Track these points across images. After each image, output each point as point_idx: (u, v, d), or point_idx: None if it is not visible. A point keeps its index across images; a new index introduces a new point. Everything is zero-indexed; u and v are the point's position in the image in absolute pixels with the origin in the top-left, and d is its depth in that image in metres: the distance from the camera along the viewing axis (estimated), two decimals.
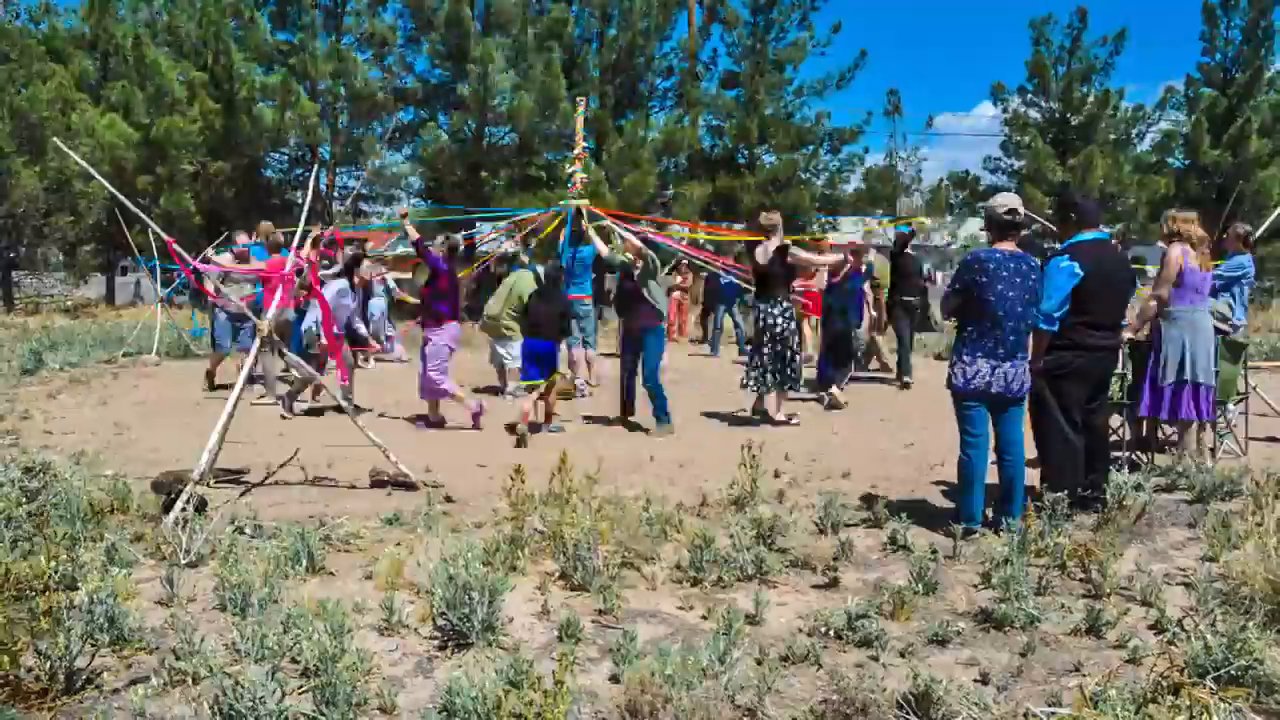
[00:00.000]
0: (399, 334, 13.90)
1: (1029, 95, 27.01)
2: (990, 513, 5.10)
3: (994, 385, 4.84)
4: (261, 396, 8.86)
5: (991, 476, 5.08)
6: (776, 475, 6.18)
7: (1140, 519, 4.99)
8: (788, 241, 8.34)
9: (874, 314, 12.51)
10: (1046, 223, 14.71)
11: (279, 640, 3.26)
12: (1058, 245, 5.47)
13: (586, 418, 8.71)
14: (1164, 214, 6.35)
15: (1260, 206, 20.57)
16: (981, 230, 6.46)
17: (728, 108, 24.04)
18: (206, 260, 10.70)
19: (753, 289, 8.88)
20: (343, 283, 8.69)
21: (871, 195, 29.18)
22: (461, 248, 9.74)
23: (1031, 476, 5.70)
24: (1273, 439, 7.44)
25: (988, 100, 28.61)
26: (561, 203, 11.82)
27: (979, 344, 4.86)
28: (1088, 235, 5.25)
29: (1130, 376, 6.32)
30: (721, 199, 23.55)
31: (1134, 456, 6.22)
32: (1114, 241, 5.52)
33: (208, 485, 5.36)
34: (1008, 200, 5.02)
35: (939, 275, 31.33)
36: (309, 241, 8.79)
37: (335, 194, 24.54)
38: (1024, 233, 8.42)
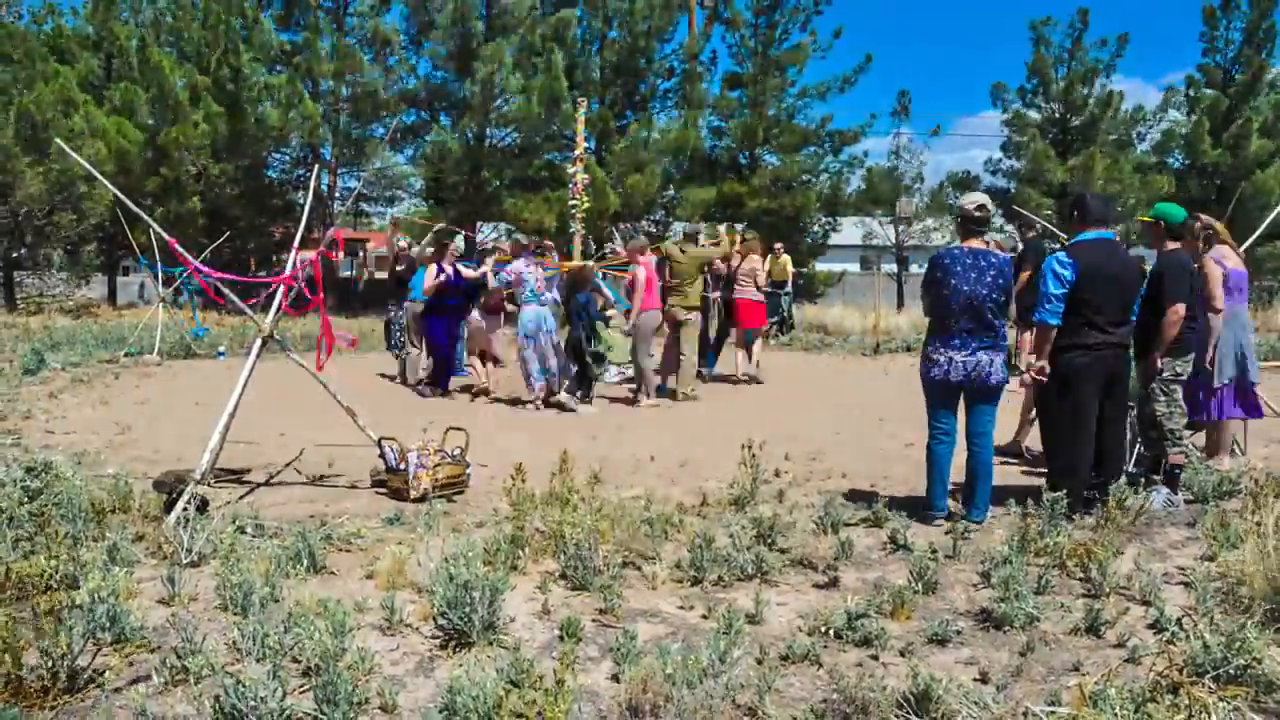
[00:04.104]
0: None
1: (1029, 96, 26.99)
2: (958, 502, 5.22)
3: (952, 375, 5.01)
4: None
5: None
6: (777, 475, 6.19)
7: (1139, 518, 5.00)
8: None
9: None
10: (1047, 224, 14.71)
11: (280, 639, 3.26)
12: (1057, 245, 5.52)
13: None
14: (1194, 218, 6.35)
15: (1261, 206, 20.54)
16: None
17: (730, 109, 24.03)
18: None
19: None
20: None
21: (873, 196, 29.12)
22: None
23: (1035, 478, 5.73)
24: None
25: (988, 102, 28.34)
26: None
27: (940, 336, 5.07)
28: (1090, 235, 5.25)
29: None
30: (724, 201, 23.53)
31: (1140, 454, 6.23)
32: (1118, 240, 5.49)
33: (209, 485, 5.37)
34: (977, 198, 5.18)
35: None
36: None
37: (337, 195, 24.54)
38: (1029, 234, 8.40)
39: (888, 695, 2.93)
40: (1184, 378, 5.68)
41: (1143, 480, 5.68)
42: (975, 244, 5.12)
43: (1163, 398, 5.61)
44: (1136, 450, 6.26)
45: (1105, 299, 5.10)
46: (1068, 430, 5.19)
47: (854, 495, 5.74)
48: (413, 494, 5.55)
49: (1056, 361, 5.17)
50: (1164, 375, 5.59)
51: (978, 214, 5.13)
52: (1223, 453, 6.35)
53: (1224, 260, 6.12)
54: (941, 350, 5.04)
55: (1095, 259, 5.10)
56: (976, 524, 5.05)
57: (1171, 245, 5.75)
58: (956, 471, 5.29)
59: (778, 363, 13.56)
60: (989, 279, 4.98)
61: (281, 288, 6.32)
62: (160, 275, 14.31)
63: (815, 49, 23.71)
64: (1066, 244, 5.32)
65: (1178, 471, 5.55)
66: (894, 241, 30.15)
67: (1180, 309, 5.43)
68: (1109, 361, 5.16)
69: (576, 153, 11.72)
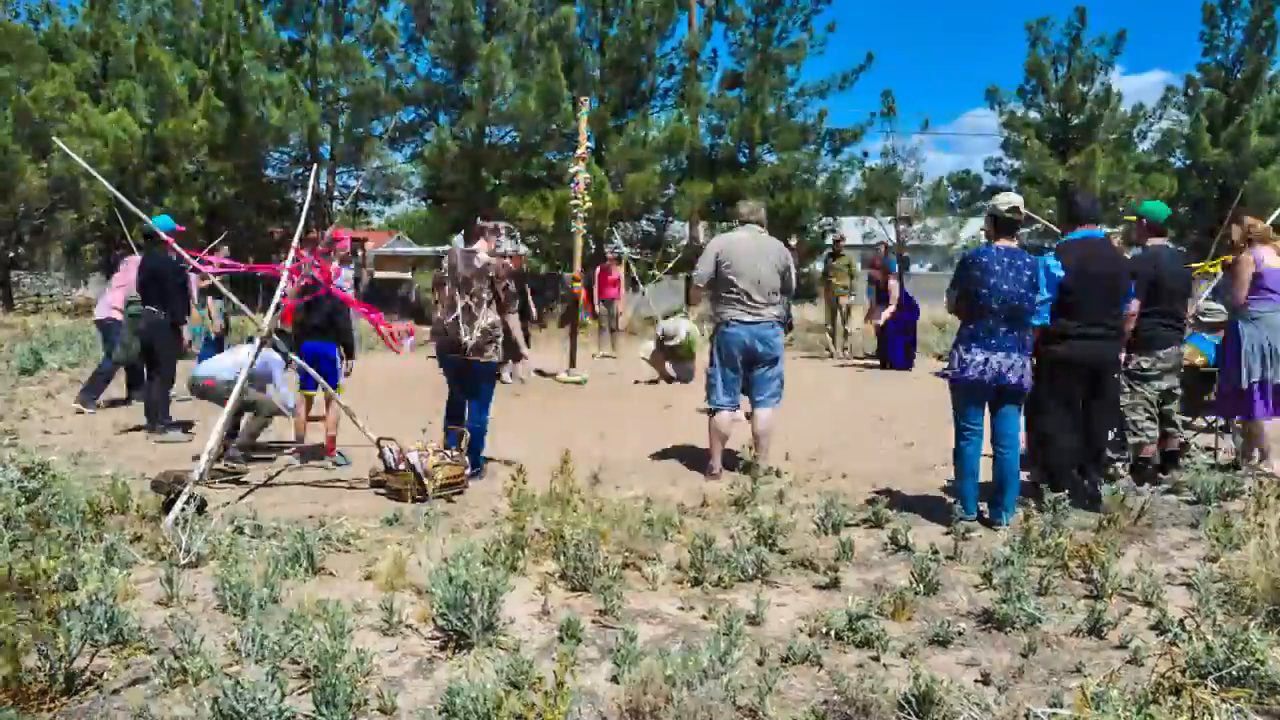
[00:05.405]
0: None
1: (1029, 96, 26.98)
2: (985, 505, 5.20)
3: (987, 374, 4.99)
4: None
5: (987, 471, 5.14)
6: (777, 475, 6.17)
7: (1141, 519, 4.99)
8: None
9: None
10: (1048, 223, 14.74)
11: (279, 640, 3.25)
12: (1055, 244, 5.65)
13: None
14: (1243, 220, 6.40)
15: (1263, 205, 20.53)
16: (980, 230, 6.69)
17: (729, 107, 24.01)
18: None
19: None
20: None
21: (871, 195, 29.09)
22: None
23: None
24: None
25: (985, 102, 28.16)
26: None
27: (975, 335, 5.05)
28: (1078, 234, 5.43)
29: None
30: (721, 197, 23.52)
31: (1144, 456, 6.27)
32: (1107, 239, 5.64)
33: (207, 485, 5.35)
34: (1010, 199, 5.21)
35: None
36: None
37: (335, 194, 24.51)
38: (1021, 231, 8.65)
39: (889, 696, 2.93)
40: (1152, 372, 5.83)
41: (1118, 468, 5.83)
42: (1007, 243, 5.13)
43: (1127, 390, 5.81)
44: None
45: (1089, 295, 5.25)
46: (1052, 424, 5.34)
47: (854, 495, 5.73)
48: (412, 495, 5.53)
49: (1041, 353, 5.30)
50: (1129, 368, 5.80)
51: (1009, 215, 5.14)
52: (1251, 453, 6.33)
53: (1262, 259, 6.15)
54: (978, 351, 5.01)
55: (1081, 258, 5.26)
56: (1003, 527, 5.03)
57: (1154, 241, 5.94)
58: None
59: None
60: (1026, 277, 5.02)
61: (278, 288, 6.29)
62: None
63: (813, 45, 23.69)
64: (1055, 245, 5.48)
65: (1144, 464, 5.74)
66: (894, 241, 30.12)
67: (1133, 304, 5.62)
68: (1092, 353, 5.30)
69: (579, 151, 11.66)
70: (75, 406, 8.49)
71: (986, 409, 5.15)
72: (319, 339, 6.51)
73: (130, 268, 8.73)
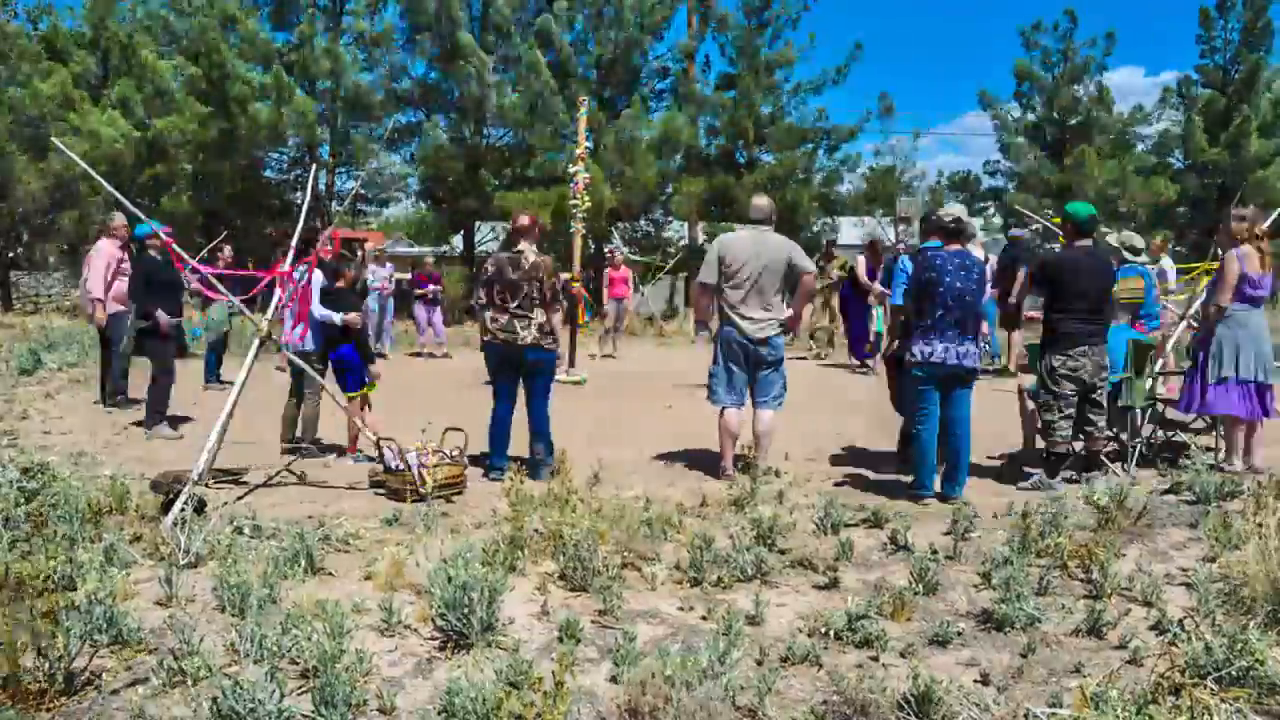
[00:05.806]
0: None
1: (1025, 98, 26.98)
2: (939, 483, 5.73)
3: (948, 360, 5.57)
4: None
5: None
6: (776, 475, 6.17)
7: (1140, 519, 5.00)
8: None
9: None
10: (1047, 223, 14.77)
11: (278, 641, 3.25)
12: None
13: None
14: (1228, 213, 6.43)
15: (1263, 205, 20.52)
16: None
17: (725, 106, 24.02)
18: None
19: None
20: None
21: (870, 195, 29.06)
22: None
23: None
24: None
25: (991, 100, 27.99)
26: None
27: (933, 329, 5.61)
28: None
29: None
30: (715, 197, 23.52)
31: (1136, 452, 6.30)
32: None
33: (206, 485, 5.35)
34: (953, 210, 5.89)
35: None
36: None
37: (334, 195, 24.50)
38: (1023, 233, 9.31)
39: (888, 697, 2.93)
40: (1062, 371, 5.84)
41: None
42: (955, 246, 5.75)
43: (1042, 393, 5.99)
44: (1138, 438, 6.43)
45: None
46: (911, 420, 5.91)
47: (854, 495, 5.73)
48: (411, 495, 5.53)
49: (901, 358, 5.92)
50: (1043, 367, 5.94)
51: (952, 225, 5.76)
52: (1232, 453, 6.36)
53: (1244, 260, 6.16)
54: (936, 341, 5.59)
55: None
56: (955, 499, 5.54)
57: (1080, 242, 6.01)
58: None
59: None
60: (975, 275, 5.70)
61: (280, 290, 6.29)
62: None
63: (799, 49, 23.70)
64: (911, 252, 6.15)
65: (1052, 458, 5.96)
66: (894, 241, 30.12)
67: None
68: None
69: (578, 152, 11.65)
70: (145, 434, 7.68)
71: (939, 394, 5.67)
72: (343, 341, 6.78)
73: (92, 259, 8.60)
